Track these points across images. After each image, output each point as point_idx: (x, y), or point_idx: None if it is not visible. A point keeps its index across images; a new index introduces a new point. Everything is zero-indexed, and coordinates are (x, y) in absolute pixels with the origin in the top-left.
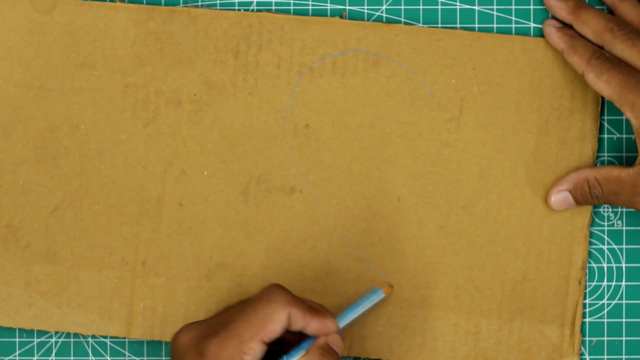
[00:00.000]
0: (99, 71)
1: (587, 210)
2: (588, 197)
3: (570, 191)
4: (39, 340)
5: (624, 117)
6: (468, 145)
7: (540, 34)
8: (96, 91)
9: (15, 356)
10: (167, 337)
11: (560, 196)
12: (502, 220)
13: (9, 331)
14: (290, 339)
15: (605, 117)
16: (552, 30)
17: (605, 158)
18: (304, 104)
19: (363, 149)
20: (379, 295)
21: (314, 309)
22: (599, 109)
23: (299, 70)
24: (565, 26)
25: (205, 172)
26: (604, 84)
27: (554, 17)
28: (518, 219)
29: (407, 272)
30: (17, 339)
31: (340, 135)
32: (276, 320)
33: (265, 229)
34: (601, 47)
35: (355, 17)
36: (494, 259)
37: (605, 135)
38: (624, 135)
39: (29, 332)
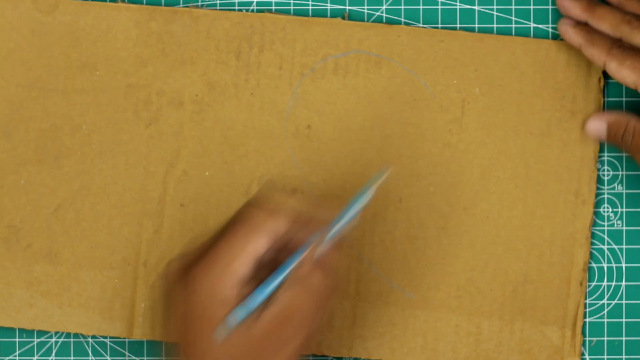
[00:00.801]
0: (101, 71)
1: (589, 212)
2: (618, 139)
3: (608, 124)
4: (39, 340)
5: None
6: (470, 147)
7: (541, 34)
8: (98, 91)
9: (15, 356)
10: None
11: (597, 124)
12: (504, 221)
13: (9, 331)
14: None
15: None
16: (567, 28)
17: (606, 158)
18: (306, 105)
19: (365, 150)
20: (367, 196)
21: (304, 217)
22: (601, 109)
23: (300, 71)
24: (580, 23)
25: (207, 173)
26: (628, 70)
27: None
28: (519, 220)
29: (409, 273)
30: (17, 339)
31: (342, 136)
32: (262, 233)
33: None
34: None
35: (355, 17)
36: (495, 260)
37: None
38: None
39: (29, 332)
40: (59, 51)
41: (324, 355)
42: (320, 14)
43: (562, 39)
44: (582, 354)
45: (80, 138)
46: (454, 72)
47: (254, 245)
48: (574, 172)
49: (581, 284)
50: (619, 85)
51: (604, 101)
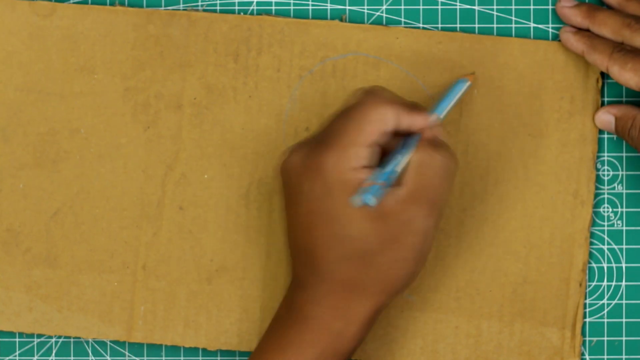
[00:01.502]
0: (99, 75)
1: (588, 212)
2: (625, 133)
3: (616, 118)
4: (39, 340)
5: None
6: (468, 148)
7: (541, 34)
8: (96, 95)
9: (15, 356)
10: (168, 341)
11: (606, 117)
12: (503, 222)
13: (9, 331)
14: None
15: None
16: (569, 36)
17: (606, 158)
18: (304, 107)
19: None
20: (465, 83)
21: (415, 105)
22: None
23: (299, 74)
24: (581, 30)
25: (206, 176)
26: (630, 73)
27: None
28: (518, 221)
29: None
30: (17, 339)
31: None
32: (386, 119)
33: (265, 232)
34: (620, 44)
35: (355, 17)
36: (494, 261)
37: (606, 136)
38: None
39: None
40: (57, 55)
41: None
42: (320, 14)
43: (560, 40)
44: (583, 355)
45: (78, 142)
46: (452, 74)
47: (382, 129)
48: (572, 173)
49: (580, 284)
50: (619, 85)
51: (602, 101)
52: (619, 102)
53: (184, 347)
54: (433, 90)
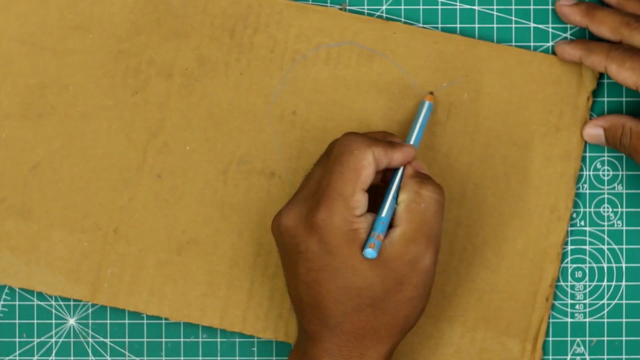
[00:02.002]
0: (94, 35)
1: (563, 228)
2: (617, 143)
3: (605, 129)
4: (39, 340)
5: None
6: (452, 151)
7: (541, 34)
8: (89, 54)
9: (15, 356)
10: (131, 307)
11: (594, 131)
12: (477, 228)
13: (9, 331)
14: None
15: None
16: (564, 47)
17: (606, 158)
18: (294, 91)
19: None
20: (426, 105)
21: (390, 142)
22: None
23: (292, 57)
24: (577, 40)
25: (188, 147)
26: (628, 72)
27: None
28: (493, 229)
29: None
30: (17, 339)
31: (326, 125)
32: (366, 165)
33: (240, 211)
34: (619, 43)
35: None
36: (464, 266)
37: None
38: None
39: (29, 332)
40: (55, 9)
41: (283, 342)
42: (320, 2)
43: (555, 54)
44: (582, 355)
45: (65, 98)
46: (444, 75)
47: (365, 175)
48: (552, 187)
49: (547, 300)
50: (618, 85)
51: (604, 102)
52: (619, 103)
53: (146, 314)
54: (424, 88)
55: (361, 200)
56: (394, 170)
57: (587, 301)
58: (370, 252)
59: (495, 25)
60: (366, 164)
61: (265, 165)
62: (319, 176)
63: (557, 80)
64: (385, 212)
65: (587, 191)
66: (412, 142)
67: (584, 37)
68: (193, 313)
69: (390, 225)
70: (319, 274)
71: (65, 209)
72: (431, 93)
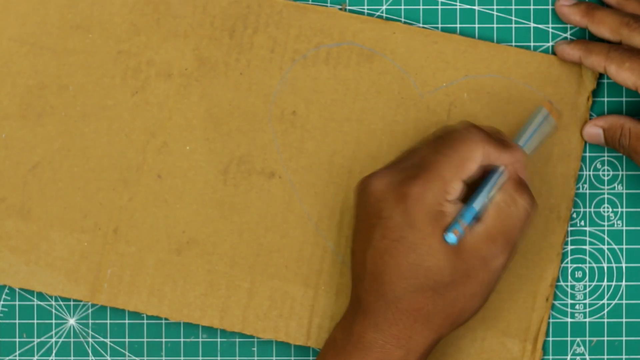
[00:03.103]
0: (94, 35)
1: (562, 229)
2: (616, 143)
3: (604, 130)
4: (39, 340)
5: None
6: None
7: (541, 34)
8: (88, 54)
9: (15, 356)
10: (131, 307)
11: (594, 130)
12: None
13: (9, 331)
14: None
15: None
16: (564, 47)
17: (606, 158)
18: (293, 91)
19: (347, 142)
20: (543, 113)
21: (503, 141)
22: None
23: (292, 57)
24: (576, 40)
25: (188, 147)
26: (627, 72)
27: (564, 39)
28: None
29: None
30: (17, 339)
31: (326, 126)
32: (474, 158)
33: (240, 211)
34: (618, 44)
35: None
36: None
37: None
38: None
39: (29, 332)
40: (55, 9)
41: (283, 342)
42: (320, 2)
43: (555, 54)
44: (582, 354)
45: (65, 98)
46: (444, 75)
47: (470, 167)
48: (552, 187)
49: (547, 300)
50: (618, 85)
51: (604, 102)
52: (619, 102)
53: (146, 314)
54: (423, 88)
55: (457, 189)
56: (496, 167)
57: (587, 301)
58: (452, 237)
59: (495, 25)
60: (474, 156)
61: (265, 165)
62: (424, 153)
63: (556, 80)
64: (477, 204)
65: (587, 191)
66: (522, 144)
67: (584, 37)
68: (193, 313)
69: (476, 219)
70: (393, 243)
71: (65, 209)
72: (550, 102)
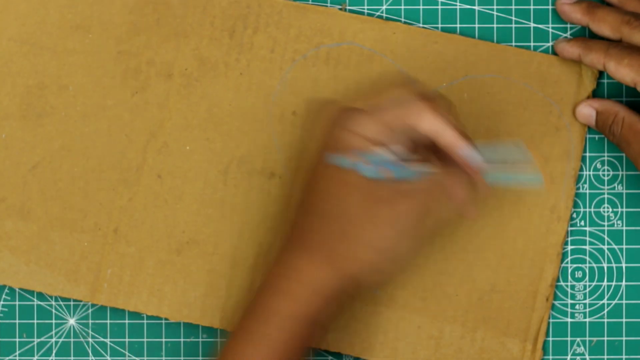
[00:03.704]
0: (94, 35)
1: (563, 228)
2: (606, 129)
3: (597, 112)
4: (39, 340)
5: None
6: None
7: (541, 34)
8: (88, 54)
9: (15, 356)
10: (131, 307)
11: (587, 111)
12: (477, 228)
13: (9, 331)
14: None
15: None
16: (563, 45)
17: (606, 158)
18: (293, 91)
19: None
20: (535, 181)
21: (468, 137)
22: (586, 129)
23: (292, 57)
24: (575, 38)
25: (188, 147)
26: (627, 69)
27: (563, 38)
28: (493, 229)
29: None
30: (17, 339)
31: None
32: (422, 120)
33: (240, 211)
34: (619, 42)
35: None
36: (464, 266)
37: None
38: None
39: (29, 332)
40: (55, 9)
41: None
42: (320, 2)
43: (555, 54)
44: (582, 354)
45: (65, 98)
46: (444, 75)
47: (411, 124)
48: (552, 187)
49: (547, 299)
50: (618, 85)
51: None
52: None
53: (146, 314)
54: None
55: (401, 135)
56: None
57: (587, 301)
58: (346, 161)
59: (495, 25)
60: (422, 120)
61: (266, 165)
62: (387, 87)
63: (556, 81)
64: (413, 167)
65: (587, 191)
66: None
67: (584, 36)
68: (193, 313)
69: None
70: (319, 166)
71: (65, 209)
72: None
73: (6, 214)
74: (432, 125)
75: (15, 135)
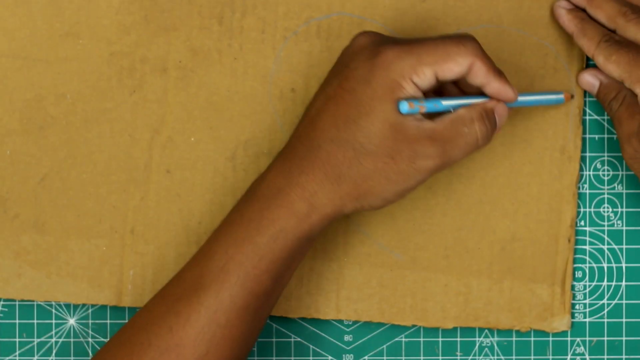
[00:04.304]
0: (84, 40)
1: (575, 168)
2: (606, 102)
3: (601, 83)
4: (39, 340)
5: None
6: None
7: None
8: (81, 60)
9: (15, 356)
10: None
11: (591, 80)
12: (490, 180)
13: (9, 331)
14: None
15: (605, 117)
16: (562, 12)
17: (606, 158)
18: (289, 68)
19: None
20: (558, 97)
21: (500, 71)
22: (584, 66)
23: (283, 35)
24: (576, 8)
25: (193, 139)
26: (613, 65)
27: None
28: (506, 178)
29: (396, 234)
30: (17, 339)
31: None
32: (459, 61)
33: None
34: (613, 32)
35: None
36: (482, 219)
37: (605, 135)
38: None
39: (29, 332)
40: (42, 20)
41: (313, 318)
42: None
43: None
44: (582, 355)
45: (64, 107)
46: (436, 32)
47: (449, 67)
48: (559, 129)
49: (569, 240)
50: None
51: (586, 60)
52: None
53: None
54: None
55: (427, 76)
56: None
57: (587, 301)
58: (404, 106)
59: None
60: (459, 60)
61: (272, 145)
62: (423, 38)
63: (548, 22)
64: (446, 102)
65: (587, 191)
66: (520, 94)
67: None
68: None
69: (431, 117)
70: (343, 92)
71: (79, 216)
72: (572, 96)
73: (21, 229)
74: (474, 58)
75: (19, 150)
